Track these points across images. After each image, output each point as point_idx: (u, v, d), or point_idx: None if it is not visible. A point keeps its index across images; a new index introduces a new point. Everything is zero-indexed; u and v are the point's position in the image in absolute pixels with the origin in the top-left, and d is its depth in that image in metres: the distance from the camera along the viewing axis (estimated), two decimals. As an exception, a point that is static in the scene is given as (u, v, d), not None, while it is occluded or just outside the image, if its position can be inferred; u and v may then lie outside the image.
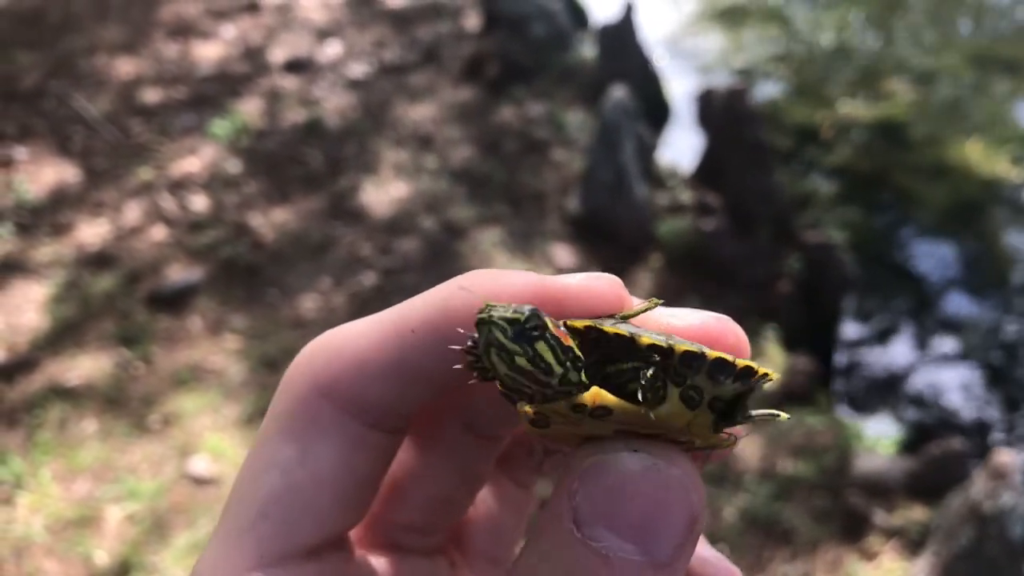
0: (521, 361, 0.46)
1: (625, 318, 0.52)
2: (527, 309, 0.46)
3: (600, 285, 0.52)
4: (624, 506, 0.44)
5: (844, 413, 4.43)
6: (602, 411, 0.46)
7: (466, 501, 0.62)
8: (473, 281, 0.51)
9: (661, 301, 0.54)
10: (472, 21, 6.64)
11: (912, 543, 3.31)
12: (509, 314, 0.46)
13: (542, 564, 0.45)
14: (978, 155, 5.99)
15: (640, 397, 0.46)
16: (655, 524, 0.43)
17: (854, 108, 6.46)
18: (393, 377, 0.52)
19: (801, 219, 5.08)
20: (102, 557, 3.08)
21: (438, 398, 0.56)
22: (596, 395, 0.46)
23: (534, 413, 0.48)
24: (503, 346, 0.46)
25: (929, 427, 4.44)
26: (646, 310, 0.53)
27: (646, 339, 0.47)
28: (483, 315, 0.46)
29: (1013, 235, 5.75)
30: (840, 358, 4.79)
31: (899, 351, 4.88)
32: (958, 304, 5.23)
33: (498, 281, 0.51)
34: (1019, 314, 5.15)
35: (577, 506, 0.44)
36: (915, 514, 3.42)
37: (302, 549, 0.51)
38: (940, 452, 3.54)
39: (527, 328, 0.46)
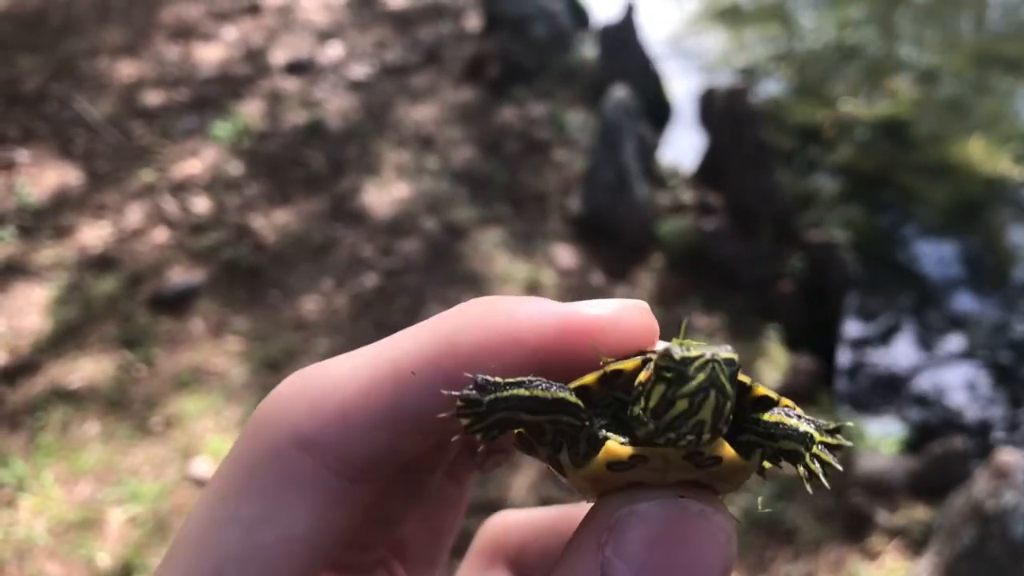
0: (728, 406, 0.45)
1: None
2: (730, 348, 0.44)
3: (632, 316, 0.48)
4: (668, 557, 0.42)
5: (847, 412, 4.42)
6: (711, 461, 0.45)
7: (409, 515, 0.58)
8: (484, 312, 0.47)
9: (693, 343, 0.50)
10: (473, 22, 6.64)
11: (915, 543, 3.31)
12: (726, 354, 0.44)
13: None
14: (980, 153, 5.98)
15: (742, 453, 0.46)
16: (698, 572, 0.42)
17: (856, 107, 6.46)
18: (386, 427, 0.46)
19: (803, 219, 5.07)
20: (104, 559, 3.08)
21: (435, 446, 0.52)
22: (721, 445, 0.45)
23: (629, 456, 0.45)
24: (723, 388, 0.44)
25: (932, 426, 4.43)
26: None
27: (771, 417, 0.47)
28: (706, 356, 0.44)
29: (1016, 233, 5.74)
30: (843, 357, 4.78)
31: (902, 350, 4.87)
32: (961, 302, 5.22)
33: (515, 315, 0.46)
34: (1022, 312, 5.14)
35: (607, 560, 0.42)
36: (918, 514, 3.41)
37: None
38: (942, 451, 3.54)
39: (736, 371, 0.45)
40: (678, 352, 0.44)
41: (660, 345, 0.49)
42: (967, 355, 4.86)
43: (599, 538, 0.43)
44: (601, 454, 0.45)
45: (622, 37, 5.62)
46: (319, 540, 0.47)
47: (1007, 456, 3.05)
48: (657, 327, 0.49)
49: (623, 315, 0.48)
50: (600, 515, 0.44)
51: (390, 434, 0.47)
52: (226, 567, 0.45)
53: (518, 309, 0.47)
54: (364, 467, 0.47)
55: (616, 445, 0.45)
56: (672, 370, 0.44)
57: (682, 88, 6.33)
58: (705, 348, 0.44)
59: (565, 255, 4.64)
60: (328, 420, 0.46)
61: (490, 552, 0.62)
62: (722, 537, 0.43)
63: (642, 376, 0.46)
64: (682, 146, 5.67)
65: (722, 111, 4.70)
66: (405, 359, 0.46)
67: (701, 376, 0.44)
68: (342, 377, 0.47)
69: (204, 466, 3.41)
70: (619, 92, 4.65)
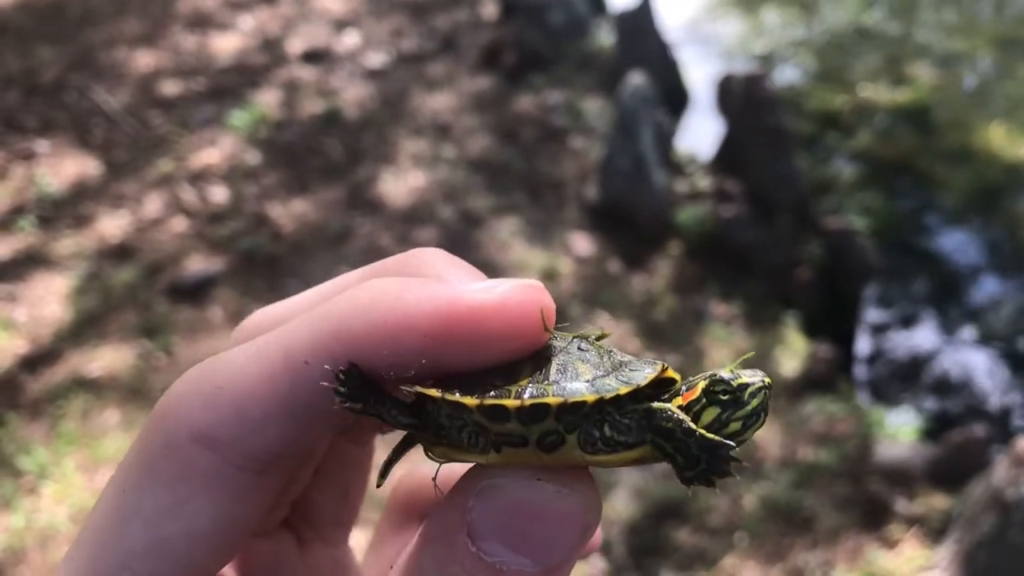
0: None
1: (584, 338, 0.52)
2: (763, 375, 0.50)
3: (519, 298, 0.47)
4: (524, 526, 0.44)
5: (866, 400, 4.40)
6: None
7: (307, 475, 0.57)
8: (373, 298, 0.46)
9: (610, 334, 0.54)
10: (489, 9, 6.62)
11: (934, 531, 3.29)
12: (769, 380, 0.50)
13: (432, 570, 0.45)
14: (1002, 139, 5.91)
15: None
16: (551, 541, 0.44)
17: (876, 93, 6.40)
18: (284, 420, 0.46)
19: (822, 205, 5.04)
20: (125, 546, 3.10)
21: (341, 434, 0.53)
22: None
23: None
24: (768, 411, 0.50)
25: (951, 414, 4.40)
26: (600, 338, 0.53)
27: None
28: (761, 381, 0.49)
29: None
30: (862, 345, 4.75)
31: (921, 337, 4.84)
32: (981, 289, 5.18)
33: (403, 300, 0.45)
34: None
35: (472, 521, 0.44)
36: (937, 502, 3.39)
37: None
38: (962, 439, 3.52)
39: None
40: (732, 377, 0.49)
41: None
42: (987, 342, 4.82)
43: (467, 501, 0.45)
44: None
45: (639, 24, 5.58)
46: (225, 532, 0.47)
47: (1028, 444, 3.03)
48: (553, 307, 0.48)
49: (510, 299, 0.46)
50: (469, 484, 0.46)
51: (288, 426, 0.46)
52: (131, 560, 0.45)
53: (406, 294, 0.46)
54: (266, 460, 0.47)
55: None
56: (729, 393, 0.49)
57: (699, 75, 6.29)
58: (751, 374, 0.50)
59: (582, 243, 4.63)
60: (224, 415, 0.46)
61: (404, 508, 0.62)
62: (576, 516, 0.45)
63: (682, 398, 0.50)
64: (699, 133, 5.64)
65: (740, 97, 4.67)
66: (297, 348, 0.46)
67: (759, 403, 0.50)
68: (238, 369, 0.47)
69: (223, 454, 3.43)
70: (636, 79, 4.62)
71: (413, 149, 5.24)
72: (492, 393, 0.47)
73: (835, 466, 3.59)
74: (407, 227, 4.69)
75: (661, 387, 0.50)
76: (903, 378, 4.67)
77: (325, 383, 0.45)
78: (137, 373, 3.79)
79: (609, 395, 0.47)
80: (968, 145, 5.91)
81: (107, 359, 3.85)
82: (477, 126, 5.43)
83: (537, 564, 0.44)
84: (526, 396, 0.46)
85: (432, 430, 0.50)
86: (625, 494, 3.48)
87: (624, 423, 0.48)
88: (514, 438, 0.47)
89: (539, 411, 0.46)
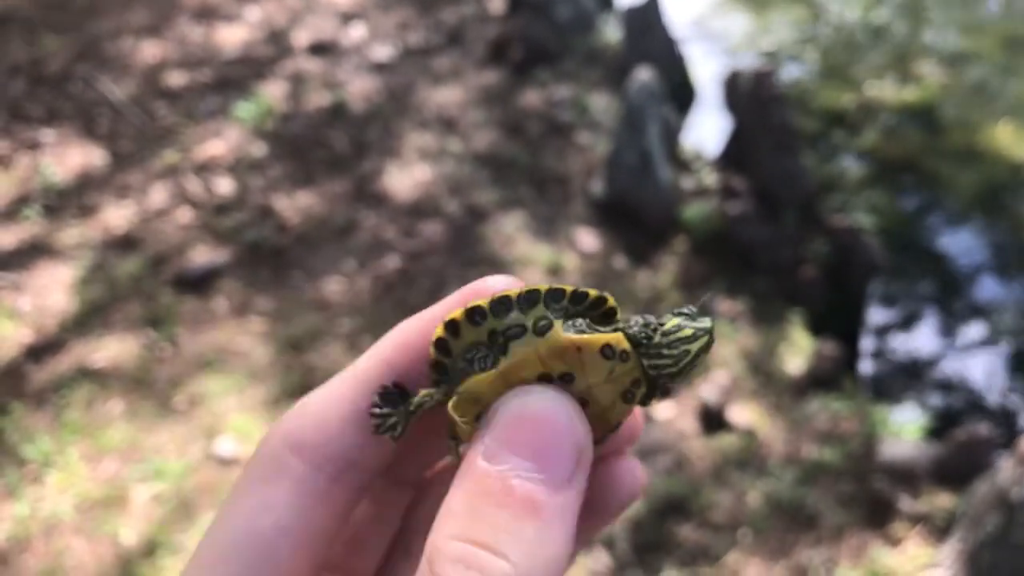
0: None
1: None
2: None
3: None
4: (523, 428, 0.50)
5: (870, 398, 4.40)
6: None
7: (383, 542, 0.65)
8: (408, 321, 0.58)
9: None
10: (496, 3, 6.60)
11: (938, 529, 3.29)
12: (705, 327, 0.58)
13: (459, 503, 0.49)
14: (1008, 138, 5.90)
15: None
16: (549, 447, 0.50)
17: (882, 91, 6.39)
18: (353, 427, 0.55)
19: (827, 203, 5.03)
20: (129, 536, 3.11)
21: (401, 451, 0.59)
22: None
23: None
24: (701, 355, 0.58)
25: (956, 413, 4.40)
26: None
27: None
28: (694, 330, 0.57)
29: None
30: (867, 343, 4.75)
31: (926, 336, 4.83)
32: (987, 289, 5.16)
33: (421, 314, 0.59)
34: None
35: (486, 442, 0.50)
36: (941, 500, 3.39)
37: None
38: (966, 438, 3.51)
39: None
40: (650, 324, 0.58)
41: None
42: (991, 342, 4.81)
43: (482, 438, 0.51)
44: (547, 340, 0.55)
45: (647, 19, 5.57)
46: (306, 528, 0.54)
47: (1033, 444, 3.02)
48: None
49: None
50: (479, 430, 0.53)
51: (357, 433, 0.55)
52: (230, 552, 0.53)
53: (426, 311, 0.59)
54: (341, 465, 0.55)
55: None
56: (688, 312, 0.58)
57: (707, 71, 6.28)
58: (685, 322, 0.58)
59: (587, 239, 4.62)
60: (307, 423, 0.55)
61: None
62: (565, 419, 0.51)
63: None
64: (706, 130, 5.63)
65: (747, 94, 4.65)
66: (365, 362, 0.57)
67: (709, 322, 0.57)
68: (324, 387, 0.57)
69: (228, 445, 3.44)
70: (643, 74, 4.61)
71: (419, 142, 5.23)
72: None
73: (839, 464, 3.59)
74: (412, 220, 4.68)
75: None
76: (907, 377, 4.66)
77: (372, 401, 0.55)
78: (141, 363, 3.79)
79: (578, 288, 0.56)
80: (974, 144, 5.89)
81: (112, 349, 3.85)
82: (483, 120, 5.42)
83: (542, 471, 0.49)
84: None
85: (454, 379, 0.56)
86: (629, 490, 3.47)
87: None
88: (515, 329, 0.54)
89: (533, 295, 0.54)
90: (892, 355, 4.79)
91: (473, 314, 0.54)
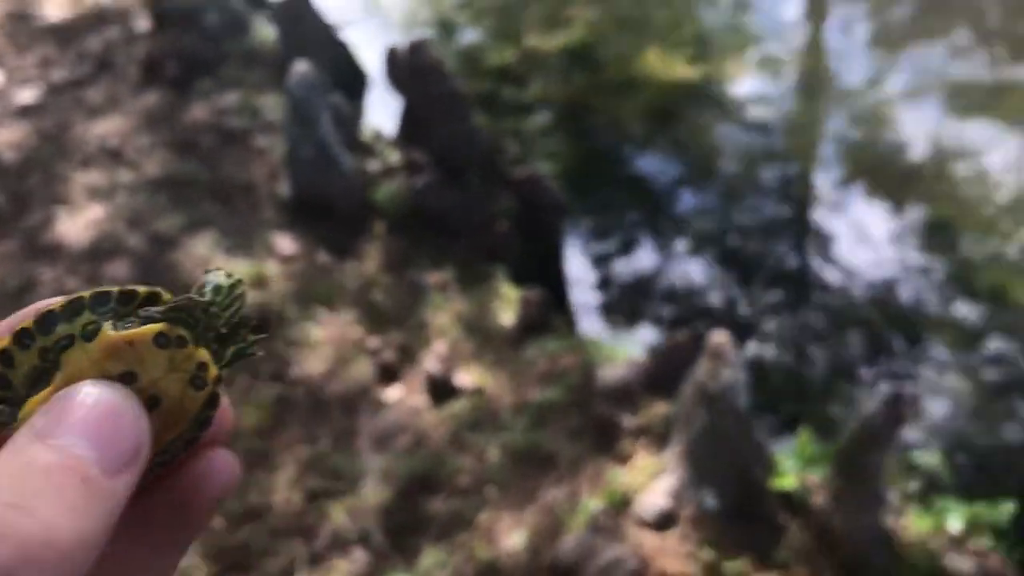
0: None
1: None
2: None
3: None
4: (78, 410, 0.47)
5: (594, 331, 4.63)
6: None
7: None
8: None
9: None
10: (142, 22, 6.27)
11: (659, 437, 3.50)
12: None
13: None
14: (656, 63, 6.34)
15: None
16: (104, 428, 0.47)
17: (542, 41, 6.66)
18: None
19: (507, 158, 5.19)
20: None
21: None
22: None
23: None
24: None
25: (686, 320, 4.72)
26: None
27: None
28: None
29: (712, 129, 6.15)
30: (581, 281, 4.99)
31: (642, 258, 5.15)
32: (683, 202, 5.56)
33: None
34: (736, 199, 5.55)
35: (35, 423, 0.47)
36: (657, 410, 3.61)
37: None
38: (669, 346, 3.76)
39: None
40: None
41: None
42: (700, 248, 5.19)
43: (32, 421, 0.48)
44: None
45: (297, 11, 5.49)
46: None
47: (719, 337, 3.27)
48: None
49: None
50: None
51: None
52: None
53: None
54: None
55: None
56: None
57: (376, 53, 6.29)
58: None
59: (285, 242, 4.53)
60: None
61: None
62: (128, 409, 0.49)
63: None
64: (387, 110, 5.64)
65: (407, 68, 4.70)
66: None
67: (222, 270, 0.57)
68: None
69: None
70: (301, 67, 4.54)
71: (86, 181, 4.90)
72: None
73: (564, 400, 3.74)
74: (94, 265, 4.39)
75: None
76: (638, 297, 4.95)
77: None
78: None
79: (125, 288, 0.53)
80: (632, 73, 6.29)
81: None
82: (150, 144, 5.15)
83: (96, 451, 0.46)
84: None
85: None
86: (372, 480, 3.47)
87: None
88: (64, 340, 0.51)
89: (77, 304, 0.51)
90: (617, 281, 5.06)
91: (22, 337, 0.51)
